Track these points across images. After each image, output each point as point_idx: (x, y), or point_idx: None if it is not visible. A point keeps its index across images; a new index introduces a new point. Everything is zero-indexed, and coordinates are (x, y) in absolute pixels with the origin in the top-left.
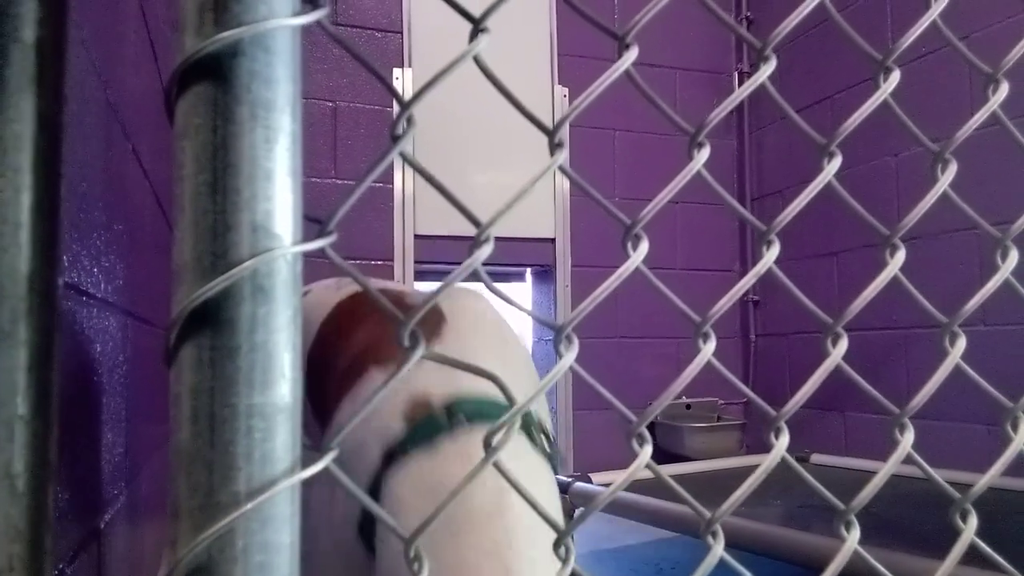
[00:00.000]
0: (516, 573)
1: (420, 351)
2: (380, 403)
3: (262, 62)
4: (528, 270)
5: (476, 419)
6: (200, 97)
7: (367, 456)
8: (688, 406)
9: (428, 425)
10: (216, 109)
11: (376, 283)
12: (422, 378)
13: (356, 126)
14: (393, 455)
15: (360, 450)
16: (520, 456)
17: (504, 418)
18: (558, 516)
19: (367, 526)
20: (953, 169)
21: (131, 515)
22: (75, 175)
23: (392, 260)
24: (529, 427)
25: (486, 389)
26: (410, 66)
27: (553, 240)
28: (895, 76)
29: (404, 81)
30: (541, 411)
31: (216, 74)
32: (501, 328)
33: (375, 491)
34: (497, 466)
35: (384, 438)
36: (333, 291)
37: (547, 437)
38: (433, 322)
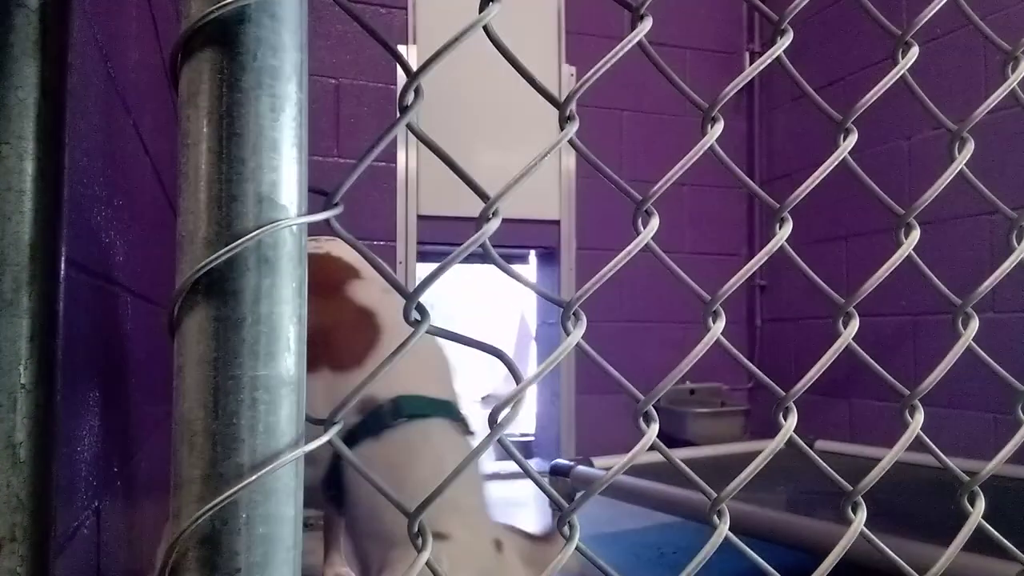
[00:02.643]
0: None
1: (426, 325)
2: (336, 397)
3: (269, 29)
4: (532, 252)
5: (415, 415)
6: (205, 64)
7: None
8: (692, 391)
9: (375, 418)
10: (221, 76)
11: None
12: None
13: (359, 104)
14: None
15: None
16: (456, 440)
17: (514, 392)
18: (480, 482)
19: (329, 483)
20: (970, 148)
21: (131, 491)
22: (75, 148)
23: (395, 240)
24: (461, 419)
25: (420, 389)
26: (415, 43)
27: (558, 222)
28: (914, 51)
29: (409, 58)
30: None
31: (222, 40)
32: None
33: (336, 466)
34: (501, 441)
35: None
36: (312, 249)
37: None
38: (372, 330)
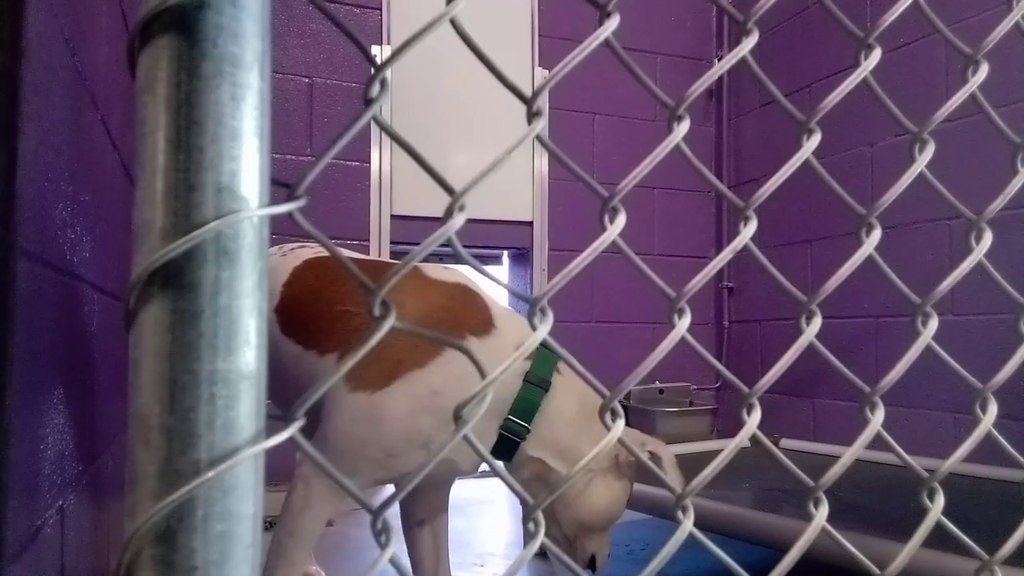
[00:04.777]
0: None
1: (391, 320)
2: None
3: (229, 16)
4: (505, 252)
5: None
6: (164, 50)
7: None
8: (661, 391)
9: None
10: (180, 63)
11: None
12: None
13: (333, 103)
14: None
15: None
16: None
17: (477, 390)
18: None
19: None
20: (931, 149)
21: (98, 490)
22: (40, 143)
23: (368, 240)
24: None
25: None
26: (389, 43)
27: (531, 223)
28: (876, 54)
29: (382, 59)
30: None
31: (181, 27)
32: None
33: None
34: (467, 437)
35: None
36: (278, 257)
37: None
38: (484, 318)
